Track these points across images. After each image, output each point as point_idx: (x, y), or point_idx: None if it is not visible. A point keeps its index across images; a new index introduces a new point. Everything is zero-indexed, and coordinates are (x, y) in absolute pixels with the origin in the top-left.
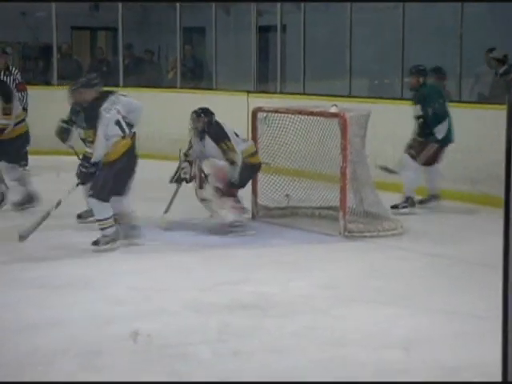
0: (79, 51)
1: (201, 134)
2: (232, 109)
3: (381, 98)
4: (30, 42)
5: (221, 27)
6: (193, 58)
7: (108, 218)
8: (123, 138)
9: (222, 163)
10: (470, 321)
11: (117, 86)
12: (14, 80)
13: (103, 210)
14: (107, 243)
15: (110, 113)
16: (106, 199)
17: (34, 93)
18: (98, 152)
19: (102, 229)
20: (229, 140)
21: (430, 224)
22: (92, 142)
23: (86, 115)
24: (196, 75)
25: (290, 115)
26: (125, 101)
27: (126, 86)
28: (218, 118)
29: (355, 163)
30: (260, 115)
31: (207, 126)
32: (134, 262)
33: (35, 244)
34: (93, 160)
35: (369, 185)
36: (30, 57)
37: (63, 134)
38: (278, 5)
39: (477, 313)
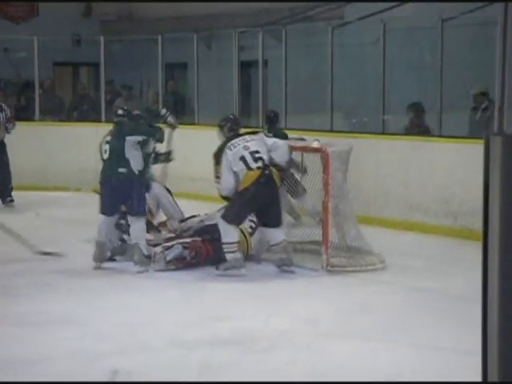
0: (61, 87)
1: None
2: (214, 144)
3: (362, 132)
4: (12, 78)
5: (203, 62)
6: (174, 93)
7: (233, 243)
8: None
9: None
10: (453, 355)
11: (99, 121)
12: (5, 116)
13: (230, 233)
14: (227, 269)
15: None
16: (234, 222)
17: (17, 128)
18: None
19: (226, 252)
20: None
21: (412, 258)
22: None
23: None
24: (178, 110)
25: None
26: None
27: (107, 121)
28: (201, 152)
29: (337, 198)
30: None
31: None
32: (115, 298)
33: (18, 278)
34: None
35: (351, 219)
36: (11, 93)
37: None
38: (260, 39)
39: (459, 347)
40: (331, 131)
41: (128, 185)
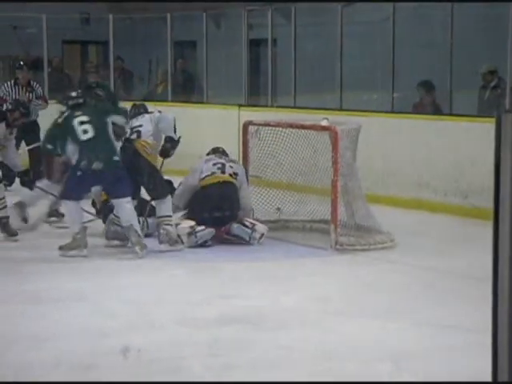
0: (70, 65)
1: None
2: (223, 122)
3: (371, 111)
4: (20, 55)
5: (212, 41)
6: (183, 71)
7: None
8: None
9: None
10: (460, 334)
11: None
12: (35, 95)
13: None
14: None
15: None
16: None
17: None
18: None
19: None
20: None
21: (421, 237)
22: None
23: None
24: (187, 89)
25: (281, 129)
26: None
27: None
28: (209, 131)
29: (346, 176)
30: (251, 128)
31: None
32: (123, 276)
33: (31, 256)
34: None
35: (360, 198)
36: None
37: None
38: (269, 18)
39: (467, 326)
40: (341, 109)
41: (114, 169)
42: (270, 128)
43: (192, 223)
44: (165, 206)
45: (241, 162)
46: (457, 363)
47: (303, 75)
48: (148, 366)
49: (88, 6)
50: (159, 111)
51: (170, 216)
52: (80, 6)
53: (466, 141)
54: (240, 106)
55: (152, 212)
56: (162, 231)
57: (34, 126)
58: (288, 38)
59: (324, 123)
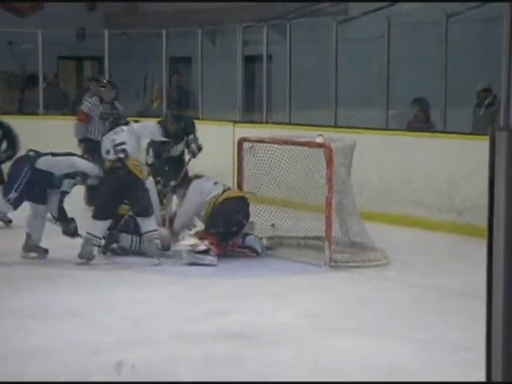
0: (65, 80)
1: None
2: (218, 139)
3: (366, 128)
4: (16, 71)
5: (207, 57)
6: (178, 87)
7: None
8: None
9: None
10: (454, 352)
11: None
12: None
13: (96, 227)
14: None
15: None
16: (102, 217)
17: (20, 122)
18: None
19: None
20: None
21: (415, 255)
22: None
23: None
24: (182, 104)
25: (275, 145)
26: None
27: None
28: (204, 146)
29: (341, 193)
30: (246, 145)
31: None
32: (119, 291)
33: (22, 271)
34: None
35: (354, 215)
36: (15, 86)
37: None
38: (264, 34)
39: (461, 344)
40: (335, 126)
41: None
42: (265, 144)
43: (195, 241)
44: (151, 222)
45: (235, 178)
46: (451, 381)
47: (298, 91)
48: (143, 380)
49: (84, 21)
50: (136, 121)
51: (156, 230)
52: (76, 22)
53: (460, 158)
54: (235, 122)
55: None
56: (153, 245)
57: None
58: (283, 55)
59: (319, 140)
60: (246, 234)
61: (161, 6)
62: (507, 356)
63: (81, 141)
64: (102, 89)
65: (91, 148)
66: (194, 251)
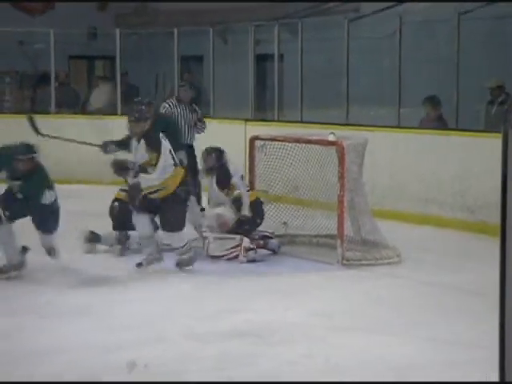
0: (77, 80)
1: (209, 172)
2: (230, 137)
3: (378, 126)
4: (27, 70)
5: (218, 56)
6: (192, 84)
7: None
8: (175, 166)
9: (229, 216)
10: (467, 349)
11: (114, 114)
12: (196, 116)
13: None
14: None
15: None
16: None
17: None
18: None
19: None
20: (230, 185)
21: (427, 252)
22: (154, 165)
23: (148, 142)
24: (194, 103)
25: (287, 143)
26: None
27: (123, 114)
28: (217, 145)
29: (353, 191)
30: (257, 143)
31: (216, 165)
32: (131, 290)
33: (43, 270)
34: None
35: (366, 213)
36: (27, 86)
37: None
38: (276, 33)
39: (473, 341)
40: (347, 124)
41: None
42: (277, 143)
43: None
44: (177, 237)
45: (247, 176)
46: (463, 379)
47: (309, 90)
48: (155, 379)
49: (95, 21)
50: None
51: (186, 244)
52: (87, 22)
53: (472, 156)
54: (246, 120)
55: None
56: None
57: (192, 150)
58: (294, 53)
59: (331, 138)
60: (268, 237)
61: (172, 6)
62: None
63: None
64: (181, 88)
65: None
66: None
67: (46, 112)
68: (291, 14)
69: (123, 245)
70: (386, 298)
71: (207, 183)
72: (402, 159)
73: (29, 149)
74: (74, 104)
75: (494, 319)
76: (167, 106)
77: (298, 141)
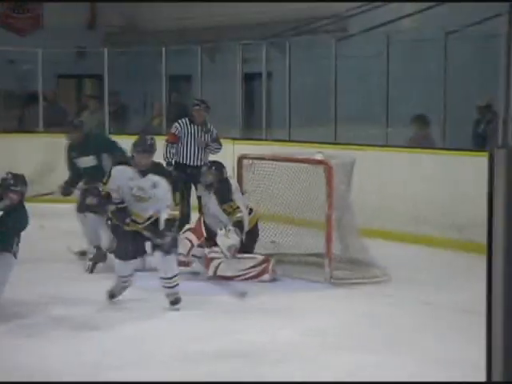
0: (65, 99)
1: (208, 188)
2: (218, 156)
3: (366, 145)
4: (16, 90)
5: (206, 74)
6: (178, 105)
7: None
8: None
9: (236, 242)
10: (457, 369)
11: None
12: (210, 137)
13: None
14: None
15: None
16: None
17: (21, 140)
18: None
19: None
20: (231, 201)
21: (416, 271)
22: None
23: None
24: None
25: (275, 162)
26: None
27: (111, 133)
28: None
29: (341, 210)
30: (246, 162)
31: (216, 181)
32: (121, 311)
33: (27, 291)
34: None
35: (354, 232)
36: (13, 105)
37: None
38: (263, 52)
39: (463, 360)
40: (335, 143)
41: None
42: (265, 161)
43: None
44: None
45: None
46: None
47: (297, 109)
48: (143, 381)
49: (84, 40)
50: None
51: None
52: (76, 41)
53: (460, 175)
54: (234, 139)
55: None
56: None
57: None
58: (282, 72)
59: (318, 157)
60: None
61: (160, 25)
62: (507, 371)
63: (168, 163)
64: (195, 107)
65: (179, 171)
66: None
67: (33, 131)
68: (279, 33)
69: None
70: (377, 317)
71: (204, 199)
72: (390, 178)
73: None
74: (63, 122)
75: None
76: (178, 125)
77: (286, 160)
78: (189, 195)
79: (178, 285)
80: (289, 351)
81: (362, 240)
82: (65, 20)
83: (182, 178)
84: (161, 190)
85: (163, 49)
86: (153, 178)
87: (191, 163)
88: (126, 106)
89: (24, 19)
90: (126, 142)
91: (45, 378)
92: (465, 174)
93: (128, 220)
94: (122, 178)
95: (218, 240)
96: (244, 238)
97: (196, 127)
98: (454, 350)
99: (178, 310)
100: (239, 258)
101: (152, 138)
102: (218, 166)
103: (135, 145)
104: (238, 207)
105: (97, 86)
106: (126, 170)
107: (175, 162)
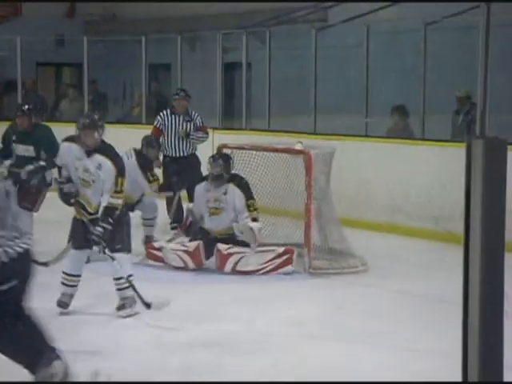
0: (44, 87)
1: (216, 180)
2: (198, 145)
3: (345, 135)
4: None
5: (186, 64)
6: (157, 94)
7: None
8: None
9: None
10: (435, 358)
11: None
12: (195, 125)
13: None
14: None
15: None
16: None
17: None
18: None
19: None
20: (254, 199)
21: (394, 261)
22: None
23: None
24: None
25: (255, 152)
26: None
27: None
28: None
29: (320, 200)
30: (225, 152)
31: (226, 172)
32: (96, 300)
33: None
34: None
35: (334, 221)
36: None
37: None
38: (244, 41)
39: (440, 350)
40: (314, 133)
41: None
42: (244, 151)
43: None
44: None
45: None
46: (434, 381)
47: (277, 98)
48: (143, 381)
49: (63, 28)
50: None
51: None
52: (55, 29)
53: (438, 166)
54: (214, 129)
55: None
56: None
57: (194, 157)
58: (262, 62)
59: (298, 147)
60: None
61: (140, 13)
62: (483, 361)
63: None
64: (175, 97)
65: (166, 164)
66: None
67: (11, 119)
68: (259, 22)
69: None
70: (355, 306)
71: (203, 191)
72: (369, 168)
73: None
74: (42, 111)
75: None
76: (159, 117)
77: (265, 149)
78: (179, 189)
79: (128, 288)
80: (265, 341)
81: (340, 230)
82: (44, 8)
83: (174, 170)
84: (104, 171)
85: (143, 37)
86: (98, 158)
87: (176, 155)
88: (103, 95)
89: (3, 7)
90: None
91: (16, 367)
92: (443, 165)
93: (73, 200)
94: (68, 155)
95: (250, 224)
96: None
97: (177, 117)
98: (431, 339)
99: (123, 316)
100: (260, 252)
101: (96, 114)
102: (225, 157)
103: (77, 121)
104: (256, 208)
105: (76, 75)
106: (72, 148)
107: (164, 155)
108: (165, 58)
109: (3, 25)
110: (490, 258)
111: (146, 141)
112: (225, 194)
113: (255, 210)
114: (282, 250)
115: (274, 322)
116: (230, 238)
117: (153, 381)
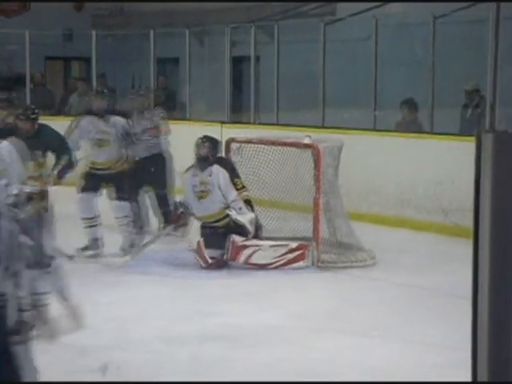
0: (52, 81)
1: (202, 161)
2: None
3: (354, 128)
4: (2, 72)
5: (195, 58)
6: (164, 88)
7: None
8: None
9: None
10: (443, 352)
11: None
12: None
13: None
14: None
15: None
16: None
17: None
18: None
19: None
20: (239, 177)
21: (402, 255)
22: None
23: None
24: (169, 106)
25: (263, 146)
26: None
27: None
28: (191, 148)
29: (328, 194)
30: (234, 146)
31: (213, 155)
32: (105, 292)
33: None
34: None
35: (342, 215)
36: (1, 87)
37: None
38: (252, 35)
39: (449, 344)
40: (323, 127)
41: None
42: (253, 145)
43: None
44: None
45: None
46: (438, 380)
47: (286, 92)
48: (144, 381)
49: (71, 22)
50: None
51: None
52: (63, 23)
53: (447, 159)
54: (222, 122)
55: None
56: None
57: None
58: (271, 56)
59: (306, 141)
60: None
61: (148, 7)
62: (493, 356)
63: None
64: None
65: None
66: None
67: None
68: (268, 16)
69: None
70: (362, 300)
71: (190, 178)
72: (377, 162)
73: None
74: (50, 105)
75: (470, 320)
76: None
77: (273, 143)
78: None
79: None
80: (272, 333)
81: (349, 224)
82: (52, 2)
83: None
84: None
85: (151, 31)
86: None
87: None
88: (111, 88)
89: (12, 1)
90: None
91: None
92: (452, 158)
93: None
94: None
95: (238, 218)
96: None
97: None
98: (440, 333)
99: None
100: (273, 246)
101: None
102: (213, 141)
103: None
104: (244, 186)
105: (84, 69)
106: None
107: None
108: (173, 52)
109: (12, 19)
110: (500, 252)
111: None
112: (210, 175)
113: (243, 187)
114: (295, 245)
115: (281, 316)
116: (228, 230)
117: (153, 381)
